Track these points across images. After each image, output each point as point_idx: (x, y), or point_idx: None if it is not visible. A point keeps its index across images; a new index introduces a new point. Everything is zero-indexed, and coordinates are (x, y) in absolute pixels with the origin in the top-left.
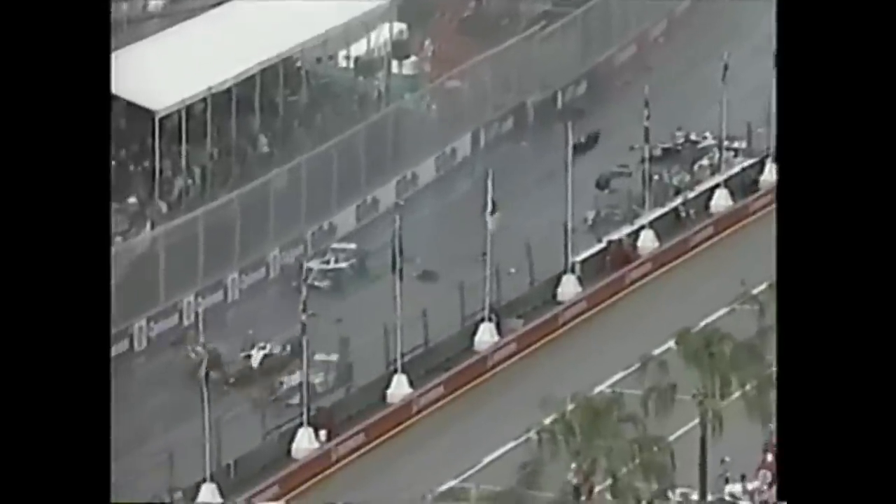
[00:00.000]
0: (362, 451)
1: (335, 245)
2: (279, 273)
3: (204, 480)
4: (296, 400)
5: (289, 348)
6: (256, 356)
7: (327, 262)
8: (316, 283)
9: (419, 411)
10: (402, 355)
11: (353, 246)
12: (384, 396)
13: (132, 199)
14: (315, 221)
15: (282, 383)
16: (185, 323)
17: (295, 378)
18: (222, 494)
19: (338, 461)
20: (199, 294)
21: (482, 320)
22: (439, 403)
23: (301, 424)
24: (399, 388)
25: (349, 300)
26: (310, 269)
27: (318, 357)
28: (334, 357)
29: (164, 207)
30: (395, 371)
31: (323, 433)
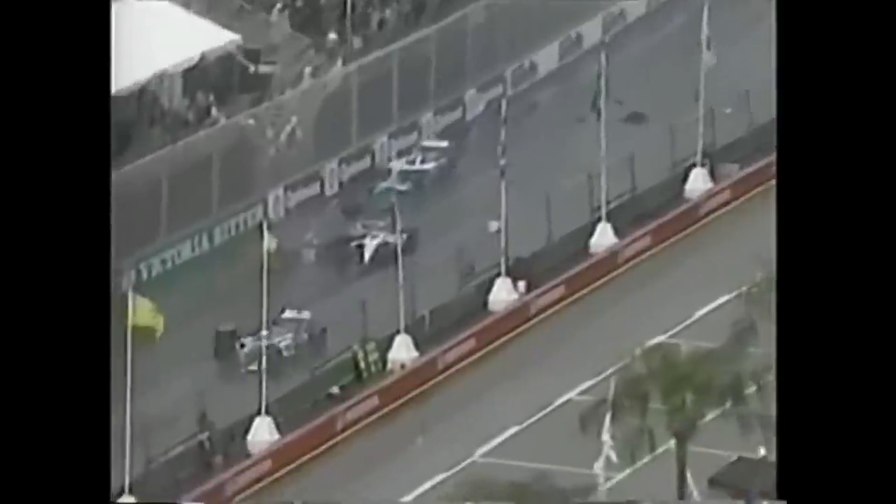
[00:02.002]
0: (562, 303)
1: (425, 143)
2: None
3: (397, 332)
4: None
5: None
6: None
7: (412, 163)
8: (396, 187)
9: (624, 262)
10: (607, 203)
11: (444, 144)
12: (587, 246)
13: (332, 35)
14: (515, 59)
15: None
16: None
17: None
18: (417, 347)
19: (536, 314)
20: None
21: (694, 165)
22: (646, 254)
23: (498, 275)
24: (603, 237)
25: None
26: (389, 171)
27: None
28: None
29: (358, 42)
30: (599, 219)
31: (522, 284)
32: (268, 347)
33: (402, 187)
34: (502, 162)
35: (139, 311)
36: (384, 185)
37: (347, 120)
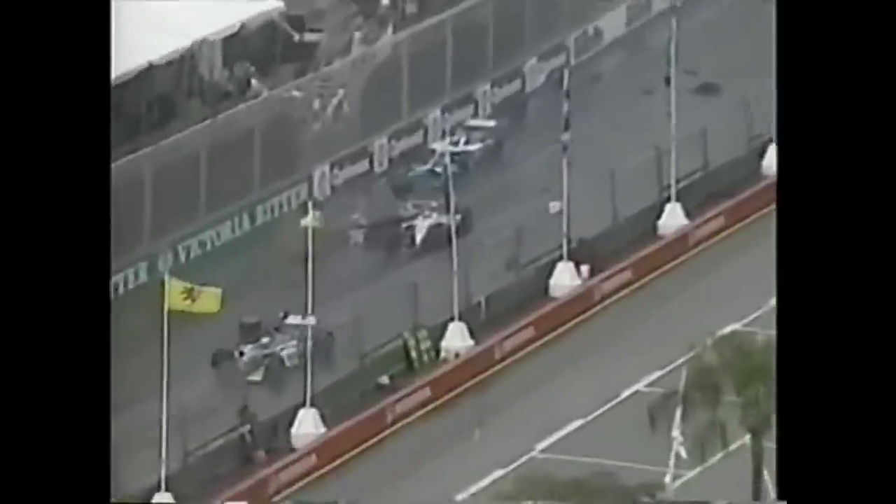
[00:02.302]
0: (629, 289)
1: (472, 122)
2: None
3: (451, 319)
4: None
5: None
6: None
7: (456, 143)
8: (437, 169)
9: (695, 245)
10: (677, 181)
11: (490, 123)
12: (655, 228)
13: (382, 1)
14: (578, 25)
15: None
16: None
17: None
18: (472, 335)
19: (601, 300)
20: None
21: (771, 141)
22: (719, 236)
23: (560, 258)
24: (672, 218)
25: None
26: (432, 152)
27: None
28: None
29: (411, 8)
30: (669, 199)
31: (585, 268)
32: (268, 356)
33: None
34: (565, 137)
35: (174, 295)
36: (423, 167)
37: (398, 92)
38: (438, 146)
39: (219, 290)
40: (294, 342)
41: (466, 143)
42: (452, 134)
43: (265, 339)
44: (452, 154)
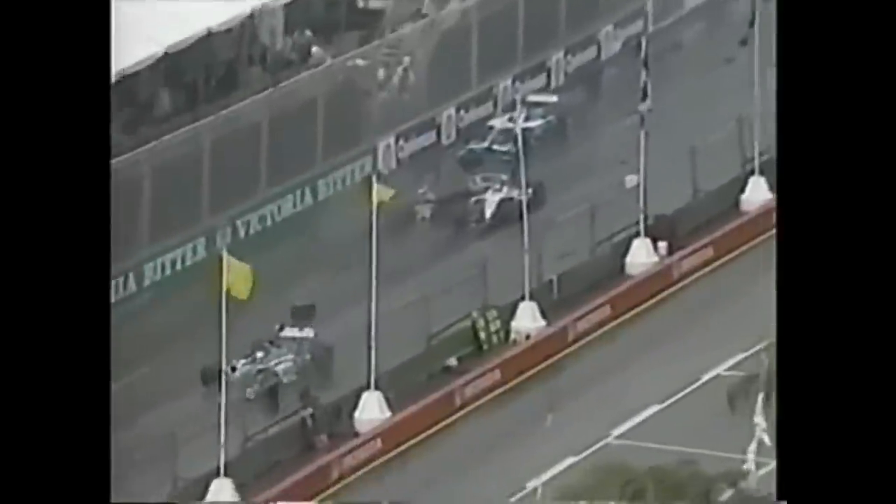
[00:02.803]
0: (710, 267)
1: (533, 97)
2: None
3: (522, 298)
4: None
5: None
6: None
7: (511, 120)
8: (495, 147)
9: None
10: (760, 154)
11: (552, 99)
12: (738, 203)
13: None
14: None
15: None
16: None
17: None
18: (544, 315)
19: (680, 279)
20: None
21: None
22: None
23: (637, 235)
24: (756, 192)
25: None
26: (490, 128)
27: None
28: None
29: None
30: (752, 172)
31: (663, 245)
32: (262, 371)
33: (503, 148)
34: (643, 107)
35: (233, 275)
36: (480, 144)
37: (467, 60)
38: (497, 122)
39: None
40: (291, 356)
41: (527, 119)
42: (512, 109)
43: (259, 354)
44: (509, 131)
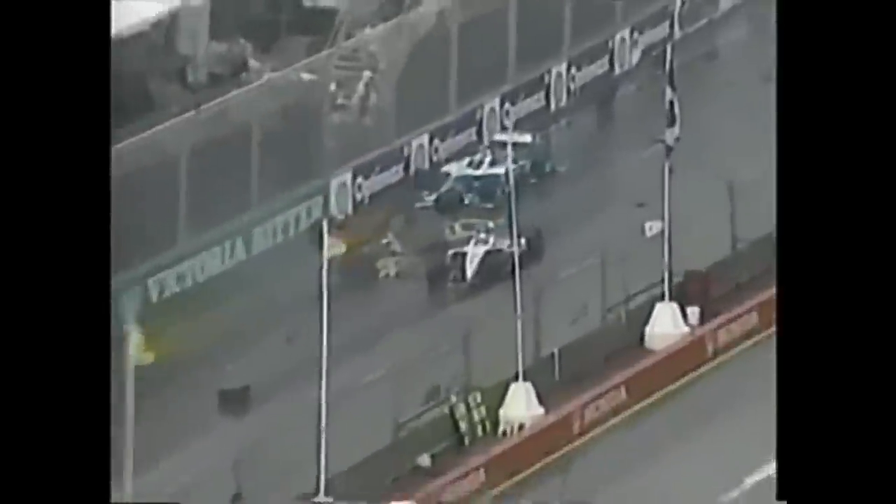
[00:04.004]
0: (753, 339)
1: (500, 137)
2: None
3: (514, 378)
4: None
5: None
6: None
7: (477, 165)
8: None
9: None
10: None
11: (527, 139)
12: None
13: None
14: None
15: None
16: None
17: None
18: (541, 401)
19: (716, 355)
20: None
21: None
22: None
23: (661, 297)
24: None
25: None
26: (446, 176)
27: None
28: None
29: None
30: None
31: (694, 311)
32: None
33: (464, 197)
34: (668, 135)
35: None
36: (430, 196)
37: (444, 76)
38: (453, 168)
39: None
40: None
41: (492, 163)
42: (474, 153)
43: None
44: (470, 179)
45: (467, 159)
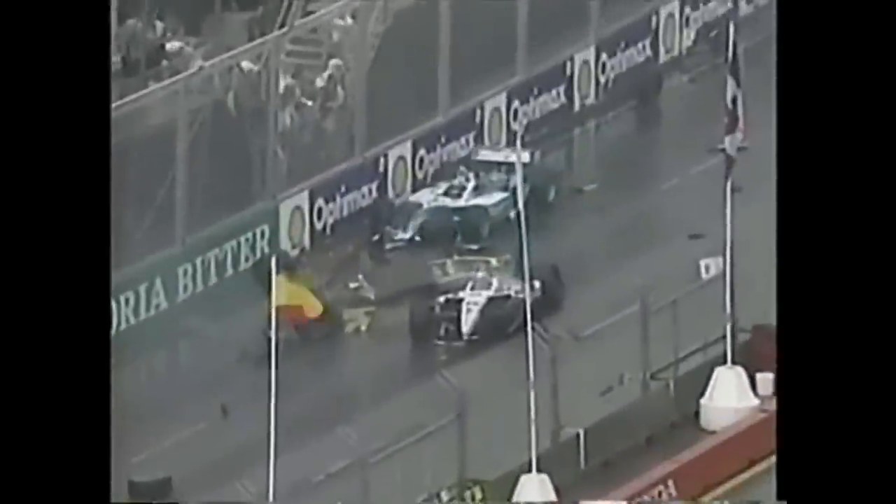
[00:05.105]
0: None
1: (484, 154)
2: None
3: (526, 469)
4: None
5: None
6: None
7: (456, 194)
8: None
9: None
10: None
11: (524, 158)
12: None
13: None
14: None
15: None
16: None
17: None
18: (559, 495)
19: None
20: None
21: None
22: None
23: (722, 360)
24: None
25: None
26: (418, 207)
27: None
28: None
29: None
30: None
31: (766, 378)
32: None
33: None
34: (730, 143)
35: None
36: (402, 235)
37: (431, 66)
38: (426, 197)
39: None
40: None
41: (476, 190)
42: (453, 176)
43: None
44: (445, 211)
45: (443, 186)
